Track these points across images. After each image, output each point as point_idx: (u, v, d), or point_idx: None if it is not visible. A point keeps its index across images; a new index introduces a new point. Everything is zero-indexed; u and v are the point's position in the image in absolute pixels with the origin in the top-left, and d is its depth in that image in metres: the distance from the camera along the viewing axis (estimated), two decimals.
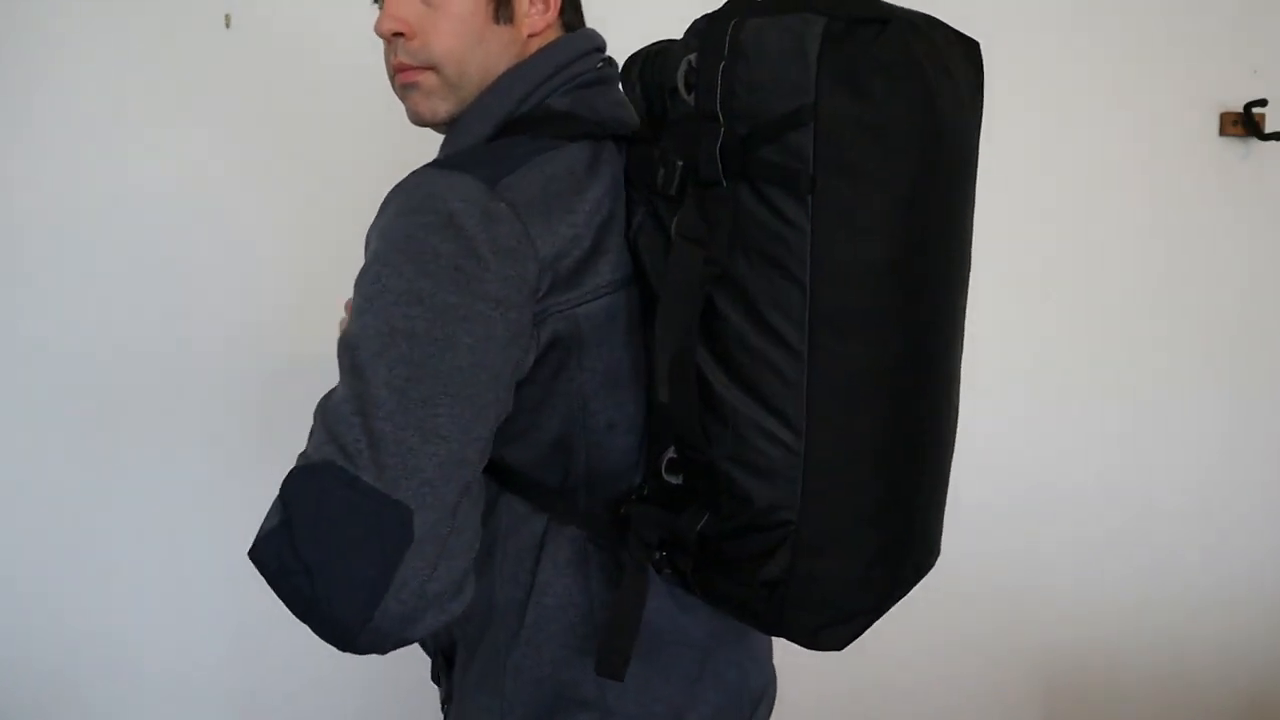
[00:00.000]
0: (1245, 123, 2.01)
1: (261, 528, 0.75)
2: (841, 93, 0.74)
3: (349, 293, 1.04)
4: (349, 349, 0.77)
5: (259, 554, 0.74)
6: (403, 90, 0.95)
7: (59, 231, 1.67)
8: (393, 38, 0.92)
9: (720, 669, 0.96)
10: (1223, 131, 2.02)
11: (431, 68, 0.92)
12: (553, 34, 0.97)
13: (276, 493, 0.76)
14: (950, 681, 2.01)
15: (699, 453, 0.83)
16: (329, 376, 1.59)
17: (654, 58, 0.89)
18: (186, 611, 1.74)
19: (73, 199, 1.67)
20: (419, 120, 0.97)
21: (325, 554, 0.72)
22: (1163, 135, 2.01)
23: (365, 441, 0.73)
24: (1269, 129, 2.00)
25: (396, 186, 0.83)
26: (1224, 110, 2.02)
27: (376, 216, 0.84)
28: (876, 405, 0.81)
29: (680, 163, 0.81)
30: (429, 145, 1.14)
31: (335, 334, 1.02)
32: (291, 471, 0.76)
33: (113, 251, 1.68)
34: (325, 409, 0.77)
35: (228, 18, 1.69)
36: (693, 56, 0.80)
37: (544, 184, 0.84)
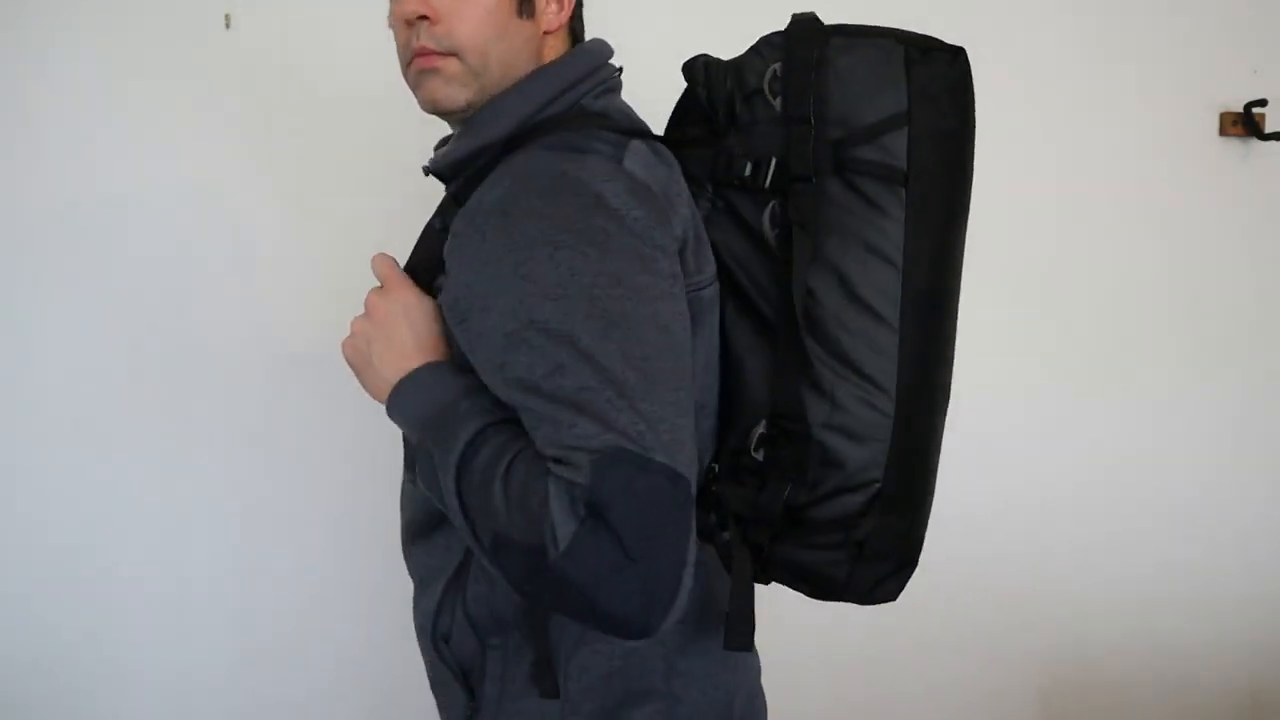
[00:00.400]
0: (1245, 123, 2.01)
1: (558, 534, 0.73)
2: (926, 105, 0.88)
3: (350, 290, 1.04)
4: (559, 335, 0.76)
5: (575, 562, 0.72)
6: (419, 75, 0.93)
7: (57, 231, 1.67)
8: (416, 21, 0.91)
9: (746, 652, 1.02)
10: (1223, 131, 2.02)
11: (454, 54, 0.91)
12: (563, 35, 0.98)
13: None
14: (948, 681, 2.00)
15: (797, 423, 0.90)
16: (332, 374, 1.60)
17: (719, 65, 0.95)
18: (187, 613, 1.74)
19: (70, 199, 1.67)
20: (434, 107, 0.95)
21: (647, 541, 0.73)
22: (1163, 135, 2.01)
23: (643, 424, 0.75)
24: (1269, 129, 2.00)
25: (508, 171, 0.85)
26: (1224, 110, 2.02)
27: (488, 201, 0.83)
28: (931, 371, 0.93)
29: (774, 159, 0.89)
30: (428, 144, 1.14)
31: (344, 330, 1.01)
32: (596, 464, 0.73)
33: (110, 251, 1.68)
34: (569, 398, 0.75)
35: (228, 18, 1.69)
36: (777, 66, 0.90)
37: (649, 169, 0.88)
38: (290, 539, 1.76)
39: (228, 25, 1.69)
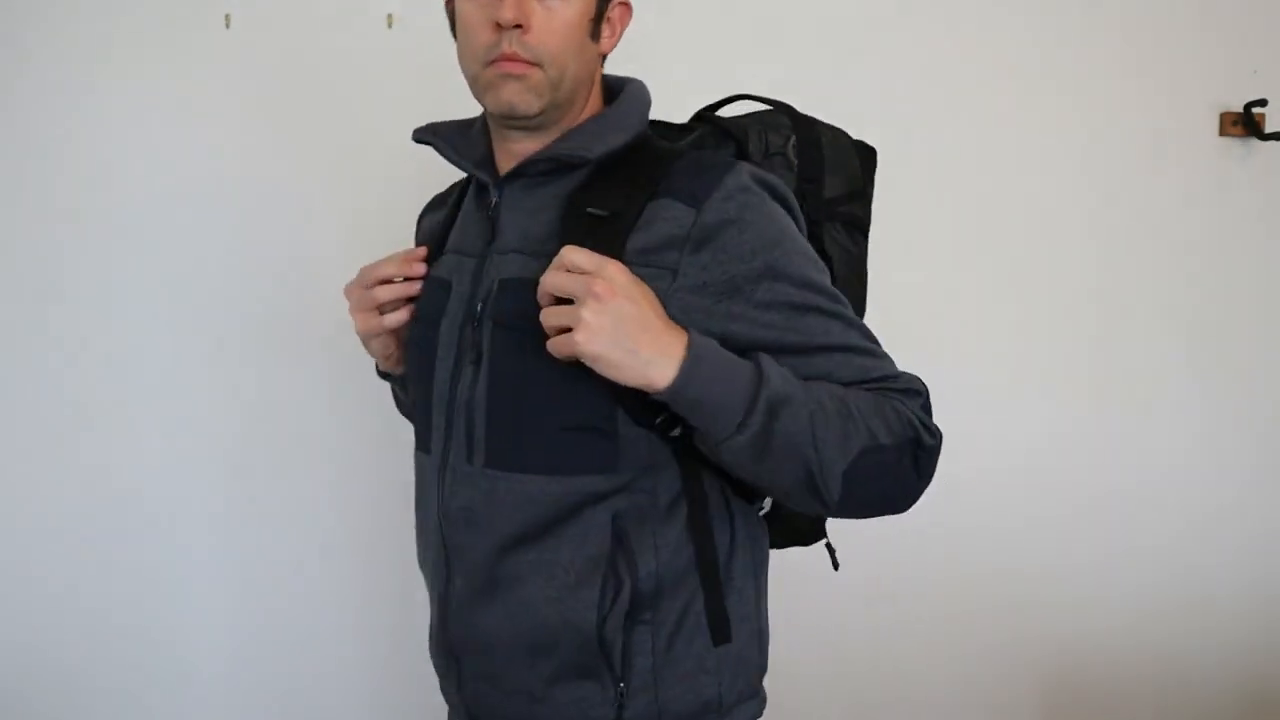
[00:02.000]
0: (1245, 123, 2.01)
1: (929, 425, 1.00)
2: (869, 183, 1.21)
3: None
4: (836, 304, 1.01)
5: (939, 441, 1.01)
6: (500, 78, 0.98)
7: (50, 230, 1.67)
8: (511, 28, 0.97)
9: None
10: (1223, 131, 2.02)
11: (538, 64, 0.98)
12: (603, 60, 1.09)
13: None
14: (948, 680, 2.00)
15: None
16: (332, 368, 1.59)
17: (751, 127, 1.15)
18: (184, 613, 1.75)
19: (66, 198, 1.67)
20: (509, 110, 1.00)
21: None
22: (1163, 135, 2.01)
23: (888, 361, 1.04)
24: (1269, 129, 2.00)
25: (751, 179, 1.01)
26: (1224, 110, 2.02)
27: (755, 203, 1.00)
28: None
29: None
30: (424, 147, 1.14)
31: (341, 328, 1.01)
32: (913, 376, 1.03)
33: (107, 251, 1.69)
34: (867, 348, 1.02)
35: (228, 18, 1.69)
36: (794, 139, 1.15)
37: None
38: (290, 538, 1.76)
39: (228, 25, 1.69)
